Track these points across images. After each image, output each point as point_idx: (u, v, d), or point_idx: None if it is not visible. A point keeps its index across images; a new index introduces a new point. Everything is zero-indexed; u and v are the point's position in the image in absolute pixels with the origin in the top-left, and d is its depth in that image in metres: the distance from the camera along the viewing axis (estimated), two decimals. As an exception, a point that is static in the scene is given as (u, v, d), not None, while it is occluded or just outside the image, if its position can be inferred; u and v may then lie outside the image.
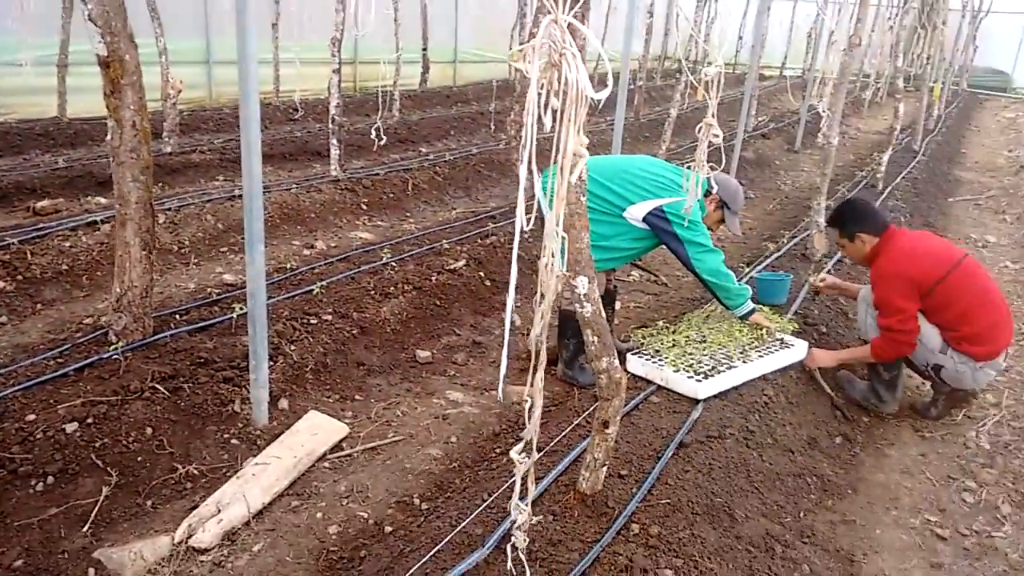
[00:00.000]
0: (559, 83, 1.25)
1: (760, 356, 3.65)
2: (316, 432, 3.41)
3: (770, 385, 3.61)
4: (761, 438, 3.24)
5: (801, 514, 2.99)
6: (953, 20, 16.77)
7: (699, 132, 2.48)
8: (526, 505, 1.87)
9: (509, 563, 2.09)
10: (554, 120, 1.29)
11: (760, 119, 12.65)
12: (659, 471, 2.82)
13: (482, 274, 5.19)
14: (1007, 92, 21.84)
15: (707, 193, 3.81)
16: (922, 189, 8.41)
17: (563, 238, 1.51)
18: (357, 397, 3.81)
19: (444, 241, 5.40)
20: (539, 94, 1.24)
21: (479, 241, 5.57)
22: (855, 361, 3.91)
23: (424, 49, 11.91)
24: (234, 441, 3.27)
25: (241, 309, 3.89)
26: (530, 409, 1.71)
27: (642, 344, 3.82)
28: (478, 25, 14.40)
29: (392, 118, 9.87)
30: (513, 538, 2.02)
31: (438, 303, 4.72)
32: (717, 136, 2.44)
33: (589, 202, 3.61)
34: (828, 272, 4.87)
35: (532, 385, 1.65)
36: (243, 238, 5.61)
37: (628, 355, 3.69)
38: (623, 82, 5.37)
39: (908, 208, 7.28)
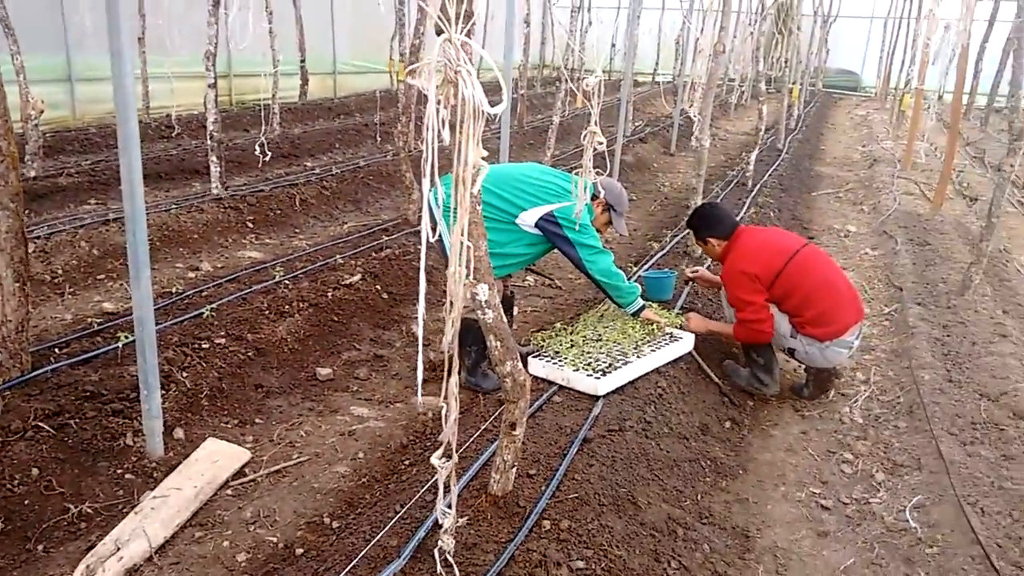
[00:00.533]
0: (456, 99, 1.31)
1: (652, 351, 3.82)
2: (216, 459, 3.32)
3: (663, 377, 3.79)
4: (658, 428, 3.40)
5: (699, 497, 3.16)
6: (806, 25, 18.00)
7: (584, 139, 2.60)
8: (449, 507, 1.91)
9: (439, 567, 2.13)
10: (452, 133, 1.34)
11: (637, 124, 13.15)
12: (566, 467, 2.92)
13: (379, 287, 5.17)
14: (857, 91, 23.59)
15: (594, 197, 3.96)
16: (788, 185, 8.99)
17: (468, 247, 1.56)
18: (257, 420, 3.72)
19: (337, 256, 5.34)
20: (437, 110, 1.29)
21: (374, 255, 5.54)
22: (721, 335, 4.23)
23: (302, 61, 11.70)
24: (129, 476, 3.13)
25: (127, 338, 3.73)
26: (446, 414, 1.75)
27: (542, 346, 3.92)
28: (356, 35, 14.28)
29: (273, 132, 9.64)
30: (441, 542, 2.05)
31: (336, 319, 4.67)
32: (601, 143, 2.56)
33: (483, 211, 3.69)
34: (706, 268, 5.16)
35: (447, 390, 1.70)
36: (122, 264, 5.38)
37: (529, 358, 3.78)
38: (506, 91, 5.48)
39: (776, 204, 7.77)
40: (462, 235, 1.49)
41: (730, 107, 16.50)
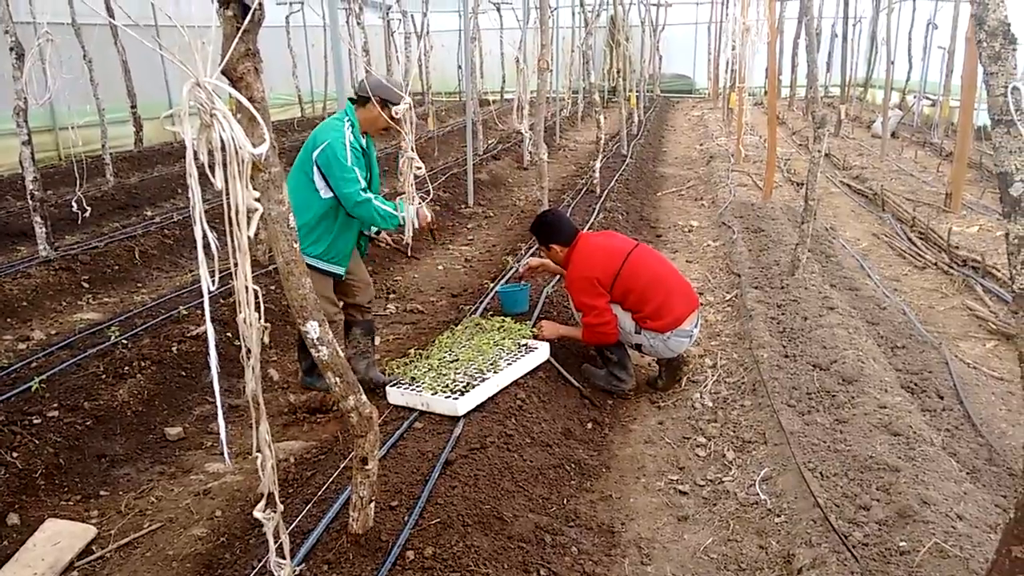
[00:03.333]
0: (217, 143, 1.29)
1: (509, 364, 3.88)
2: (57, 541, 3.08)
3: (522, 389, 3.84)
4: (520, 440, 3.44)
5: (565, 501, 3.22)
6: (637, 35, 18.94)
7: (402, 165, 2.61)
8: (285, 560, 1.85)
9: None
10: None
11: (490, 142, 13.36)
12: (428, 493, 2.91)
13: (230, 335, 4.97)
14: (692, 93, 25.00)
15: (362, 103, 3.70)
16: (634, 188, 9.38)
17: (254, 291, 1.53)
18: (102, 493, 3.48)
19: (182, 308, 5.10)
20: (195, 154, 1.26)
21: (222, 301, 5.33)
22: (571, 339, 4.35)
23: (133, 107, 11.16)
24: (-46, 576, 2.86)
25: (-58, 425, 3.41)
26: (261, 463, 1.70)
27: (398, 374, 3.89)
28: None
29: (107, 184, 9.14)
30: (279, 597, 1.98)
31: (184, 374, 4.45)
32: (420, 169, 2.58)
33: (307, 213, 3.66)
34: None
35: (257, 438, 1.65)
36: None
37: (387, 387, 3.75)
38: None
39: (624, 207, 8.09)
40: (245, 280, 1.46)
41: (577, 119, 17.08)
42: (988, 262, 6.10)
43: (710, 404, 4.14)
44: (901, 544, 2.64)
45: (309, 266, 3.81)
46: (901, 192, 9.08)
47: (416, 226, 3.67)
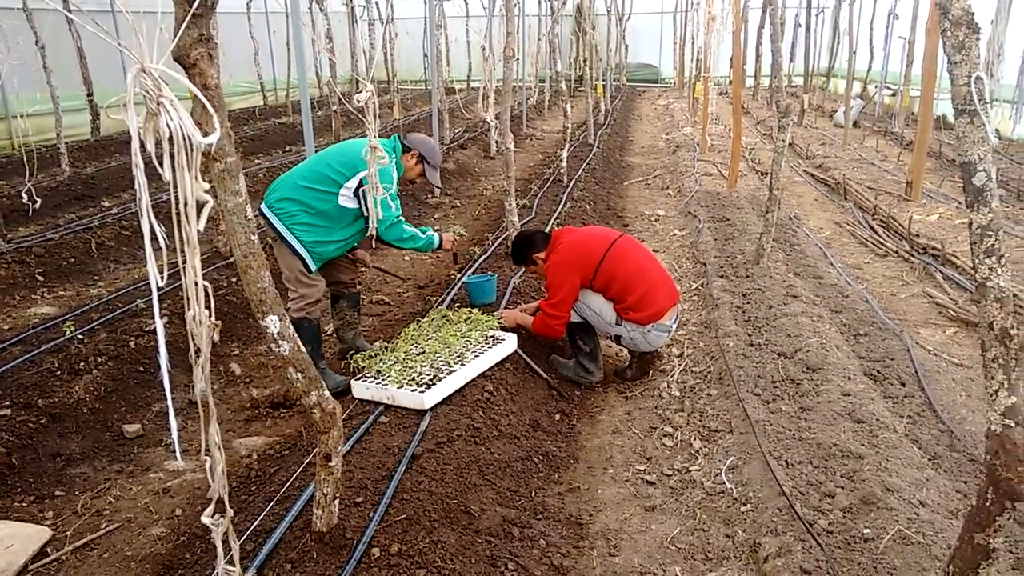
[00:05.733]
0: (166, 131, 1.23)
1: (476, 356, 3.84)
2: (9, 544, 2.99)
3: (490, 381, 3.81)
4: (487, 432, 3.41)
5: (533, 493, 3.20)
6: (603, 24, 18.93)
7: (365, 156, 2.55)
8: (235, 568, 1.80)
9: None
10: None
11: (456, 131, 13.25)
12: (394, 489, 2.86)
13: (190, 328, 4.86)
14: (658, 83, 25.09)
15: (407, 150, 4.12)
16: (601, 177, 9.38)
17: (204, 288, 1.47)
18: (57, 493, 3.38)
19: (140, 301, 4.98)
20: (141, 143, 1.20)
21: (181, 294, 5.21)
22: (526, 328, 4.31)
23: (89, 95, 10.85)
24: (-101, 582, 2.75)
25: None
26: (211, 467, 1.64)
27: (364, 368, 3.84)
28: (151, 63, 13.42)
29: (62, 174, 8.88)
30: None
31: (142, 369, 4.34)
32: (383, 159, 2.53)
33: (310, 204, 3.83)
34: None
35: (207, 440, 1.59)
36: None
37: (352, 381, 3.70)
38: (305, 111, 5.35)
39: (591, 196, 8.08)
40: (195, 276, 1.40)
41: (544, 107, 17.02)
42: (948, 250, 6.20)
43: (677, 393, 4.15)
44: (865, 531, 2.66)
45: (290, 247, 3.85)
46: (863, 181, 9.20)
47: (436, 246, 4.27)
